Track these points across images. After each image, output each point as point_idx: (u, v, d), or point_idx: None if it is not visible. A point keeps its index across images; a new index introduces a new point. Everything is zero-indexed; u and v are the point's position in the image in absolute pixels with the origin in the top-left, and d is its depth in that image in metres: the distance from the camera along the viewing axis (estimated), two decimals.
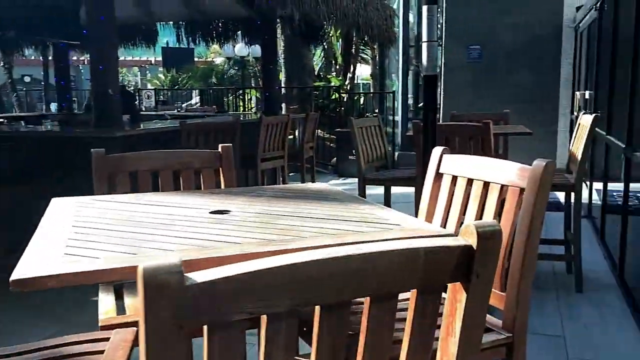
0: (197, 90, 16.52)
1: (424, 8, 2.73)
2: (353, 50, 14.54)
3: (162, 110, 9.60)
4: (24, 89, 20.04)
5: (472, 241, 0.87)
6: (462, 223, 1.91)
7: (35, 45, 9.06)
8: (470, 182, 1.88)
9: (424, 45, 2.76)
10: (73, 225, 1.45)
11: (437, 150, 2.03)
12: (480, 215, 1.82)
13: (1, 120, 6.02)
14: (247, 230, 1.39)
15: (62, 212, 1.60)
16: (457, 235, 0.89)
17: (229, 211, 1.61)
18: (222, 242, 1.28)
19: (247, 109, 13.89)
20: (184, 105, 13.46)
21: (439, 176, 2.01)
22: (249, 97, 14.91)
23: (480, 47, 8.13)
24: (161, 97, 14.62)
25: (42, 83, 16.75)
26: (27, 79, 21.51)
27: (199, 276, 0.73)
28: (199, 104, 14.55)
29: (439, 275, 0.88)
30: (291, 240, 1.28)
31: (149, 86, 21.08)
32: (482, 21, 8.07)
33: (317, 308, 0.83)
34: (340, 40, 14.53)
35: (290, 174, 7.15)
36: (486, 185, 1.81)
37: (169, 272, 0.70)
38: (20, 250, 1.23)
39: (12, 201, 3.93)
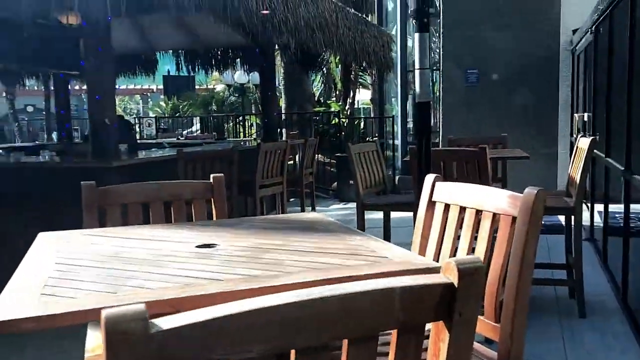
0: (197, 118, 16.60)
1: (416, 36, 2.74)
2: (352, 76, 14.64)
3: (162, 137, 9.63)
4: (26, 118, 20.20)
5: (453, 279, 0.84)
6: (456, 249, 1.88)
7: (36, 76, 9.15)
8: (463, 210, 1.85)
9: (417, 72, 2.76)
10: (56, 262, 1.43)
11: (429, 178, 2.00)
12: (473, 244, 1.78)
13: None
14: (231, 266, 1.36)
15: (46, 248, 1.58)
16: None
17: (216, 245, 1.58)
18: (205, 279, 1.25)
19: (247, 135, 13.94)
20: (184, 132, 13.52)
21: (431, 204, 1.98)
22: (249, 124, 14.98)
23: (478, 70, 8.16)
24: (162, 124, 14.68)
25: (44, 112, 16.88)
26: (30, 109, 21.70)
27: (165, 322, 0.70)
28: (199, 131, 14.61)
29: (419, 314, 0.85)
30: (275, 277, 1.25)
31: (151, 114, 21.21)
32: (480, 45, 8.11)
33: (293, 352, 0.80)
34: (339, 66, 14.64)
35: (291, 199, 7.13)
36: (479, 213, 1.79)
37: (133, 319, 0.68)
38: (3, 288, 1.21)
39: (3, 234, 3.89)
